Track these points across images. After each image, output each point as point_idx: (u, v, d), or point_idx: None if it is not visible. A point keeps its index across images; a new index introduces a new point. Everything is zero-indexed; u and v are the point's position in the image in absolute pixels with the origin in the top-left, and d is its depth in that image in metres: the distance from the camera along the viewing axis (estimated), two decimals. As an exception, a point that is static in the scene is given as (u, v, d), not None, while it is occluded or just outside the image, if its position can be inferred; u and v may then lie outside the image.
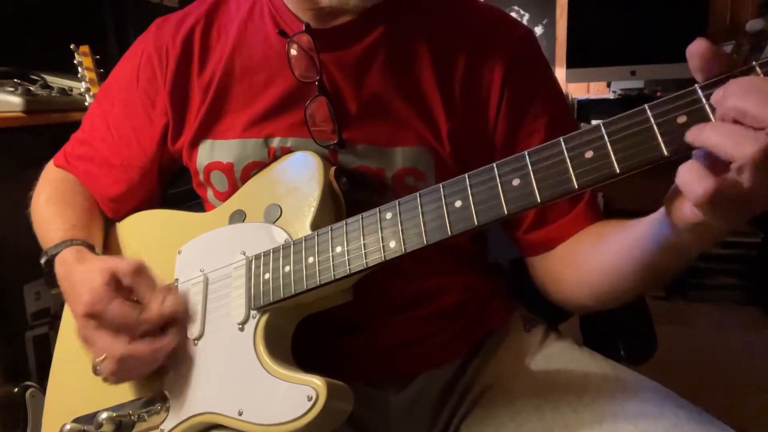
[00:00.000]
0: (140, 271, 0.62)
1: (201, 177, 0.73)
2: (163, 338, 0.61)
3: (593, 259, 0.63)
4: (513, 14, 2.37)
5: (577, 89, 2.73)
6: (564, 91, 2.59)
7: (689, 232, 0.45)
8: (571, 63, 2.42)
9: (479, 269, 0.78)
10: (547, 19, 2.76)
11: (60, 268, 0.69)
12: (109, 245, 0.79)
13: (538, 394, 0.66)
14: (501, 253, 0.86)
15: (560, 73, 2.53)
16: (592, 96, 2.64)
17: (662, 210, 0.48)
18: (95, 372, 0.60)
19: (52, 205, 0.78)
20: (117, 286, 0.61)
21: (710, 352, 1.97)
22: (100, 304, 0.59)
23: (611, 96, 2.48)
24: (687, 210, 0.43)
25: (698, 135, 0.39)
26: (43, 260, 0.71)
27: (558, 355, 0.72)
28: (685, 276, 2.32)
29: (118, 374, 0.60)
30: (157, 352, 0.60)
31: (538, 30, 2.78)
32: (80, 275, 0.64)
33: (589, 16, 2.43)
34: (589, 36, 2.42)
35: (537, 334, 0.76)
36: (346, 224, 0.57)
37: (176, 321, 0.63)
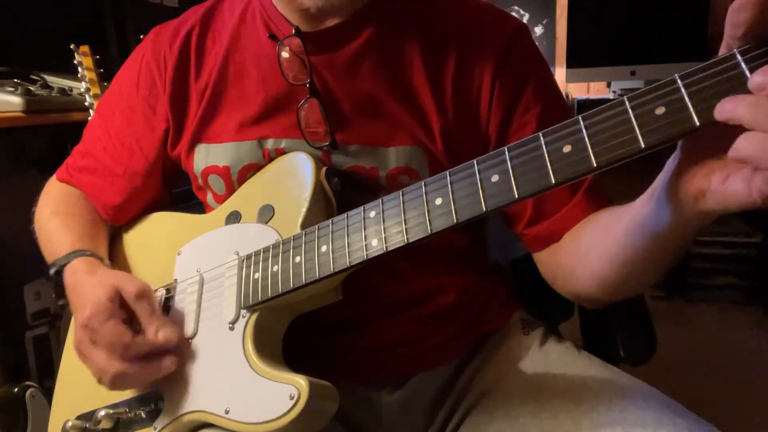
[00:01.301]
0: (143, 295, 0.63)
1: (200, 181, 0.73)
2: (157, 362, 0.61)
3: (597, 251, 0.60)
4: (513, 14, 2.37)
5: (577, 89, 2.72)
6: (564, 91, 2.59)
7: (704, 217, 0.43)
8: (571, 63, 2.42)
9: (477, 270, 0.78)
10: (547, 19, 2.76)
11: (69, 277, 0.69)
12: (114, 247, 0.80)
13: (536, 400, 0.66)
14: (501, 253, 0.86)
15: (560, 73, 2.53)
16: (592, 96, 2.64)
17: (661, 196, 0.46)
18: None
19: (56, 218, 0.78)
20: (120, 303, 0.62)
21: (710, 352, 1.97)
22: (97, 319, 0.59)
23: (611, 96, 2.48)
24: (742, 190, 0.38)
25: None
26: (52, 271, 0.71)
27: (557, 360, 0.72)
28: (685, 276, 2.32)
29: (116, 386, 0.61)
30: (151, 375, 0.61)
31: (538, 30, 2.78)
32: (87, 287, 0.64)
33: (589, 16, 2.42)
34: (589, 36, 2.42)
35: (536, 337, 0.76)
36: (332, 223, 0.57)
37: (174, 348, 0.63)
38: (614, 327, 0.80)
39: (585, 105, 2.38)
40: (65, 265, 0.70)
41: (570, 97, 2.52)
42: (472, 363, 0.75)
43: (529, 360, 0.73)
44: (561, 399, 0.64)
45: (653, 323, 0.79)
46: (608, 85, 2.58)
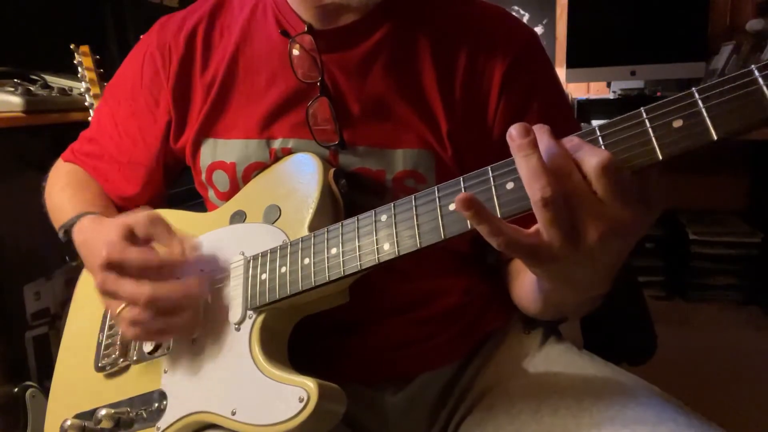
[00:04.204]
0: (155, 219, 0.61)
1: (203, 176, 0.73)
2: (190, 279, 0.60)
3: (514, 290, 0.70)
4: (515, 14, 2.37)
5: (577, 89, 2.72)
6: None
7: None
8: (571, 63, 2.42)
9: (479, 271, 0.78)
10: (547, 19, 2.76)
11: (78, 235, 0.70)
12: None
13: (536, 398, 0.66)
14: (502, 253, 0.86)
15: (560, 73, 2.53)
16: (592, 96, 2.64)
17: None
18: (116, 322, 0.60)
19: (68, 189, 0.79)
20: (133, 239, 0.61)
21: (710, 352, 1.97)
22: (117, 252, 0.58)
23: (611, 96, 2.48)
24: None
25: None
26: (61, 233, 0.72)
27: (557, 358, 0.72)
28: (685, 276, 2.32)
29: (139, 323, 0.58)
30: (185, 294, 0.59)
31: (538, 30, 2.78)
32: (98, 235, 0.65)
33: (589, 16, 2.42)
34: (589, 36, 2.41)
35: (536, 336, 0.76)
36: (342, 226, 0.56)
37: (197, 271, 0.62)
38: (614, 327, 0.80)
39: (585, 105, 2.38)
40: (73, 225, 0.70)
41: (570, 97, 2.53)
42: (473, 362, 0.75)
43: (530, 359, 0.73)
44: (561, 396, 0.64)
45: (653, 323, 0.79)
46: (608, 85, 2.58)
